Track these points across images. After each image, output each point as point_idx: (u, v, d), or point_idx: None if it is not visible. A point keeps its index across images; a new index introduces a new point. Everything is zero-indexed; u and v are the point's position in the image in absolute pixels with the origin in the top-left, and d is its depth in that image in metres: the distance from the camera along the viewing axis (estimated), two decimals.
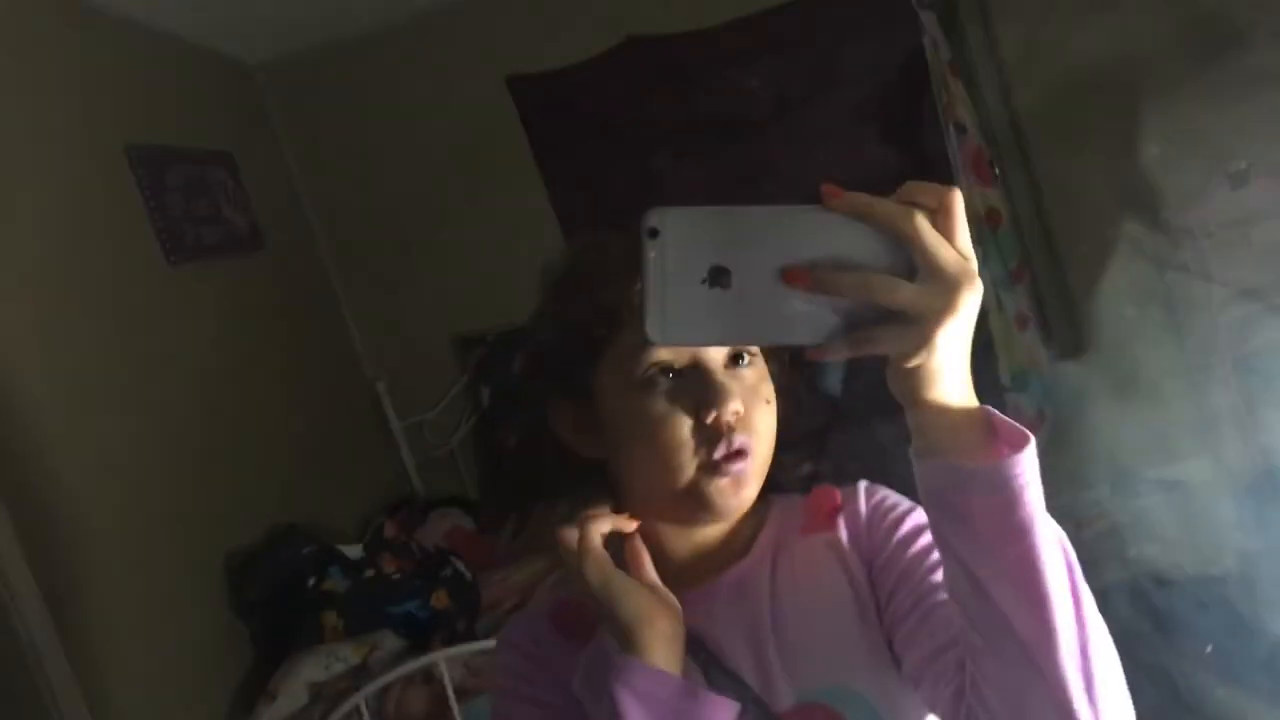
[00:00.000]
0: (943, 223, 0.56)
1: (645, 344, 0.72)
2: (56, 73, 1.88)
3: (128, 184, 1.99)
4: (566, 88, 2.65)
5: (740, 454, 0.75)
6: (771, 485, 0.80)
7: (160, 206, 2.05)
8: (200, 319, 2.12)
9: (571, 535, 0.76)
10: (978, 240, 2.63)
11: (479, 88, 2.65)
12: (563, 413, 0.82)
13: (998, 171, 2.56)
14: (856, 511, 0.82)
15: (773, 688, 0.76)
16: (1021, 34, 2.48)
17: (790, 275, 0.56)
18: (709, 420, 0.73)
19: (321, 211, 2.79)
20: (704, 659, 0.77)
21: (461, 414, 2.76)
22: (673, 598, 0.75)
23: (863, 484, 0.85)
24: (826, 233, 0.57)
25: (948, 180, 2.30)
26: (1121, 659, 0.63)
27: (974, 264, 0.56)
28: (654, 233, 0.57)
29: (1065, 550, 0.62)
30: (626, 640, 0.72)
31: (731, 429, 0.74)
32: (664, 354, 0.75)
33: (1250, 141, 2.17)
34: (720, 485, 0.75)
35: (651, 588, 0.76)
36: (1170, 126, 2.21)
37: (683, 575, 0.80)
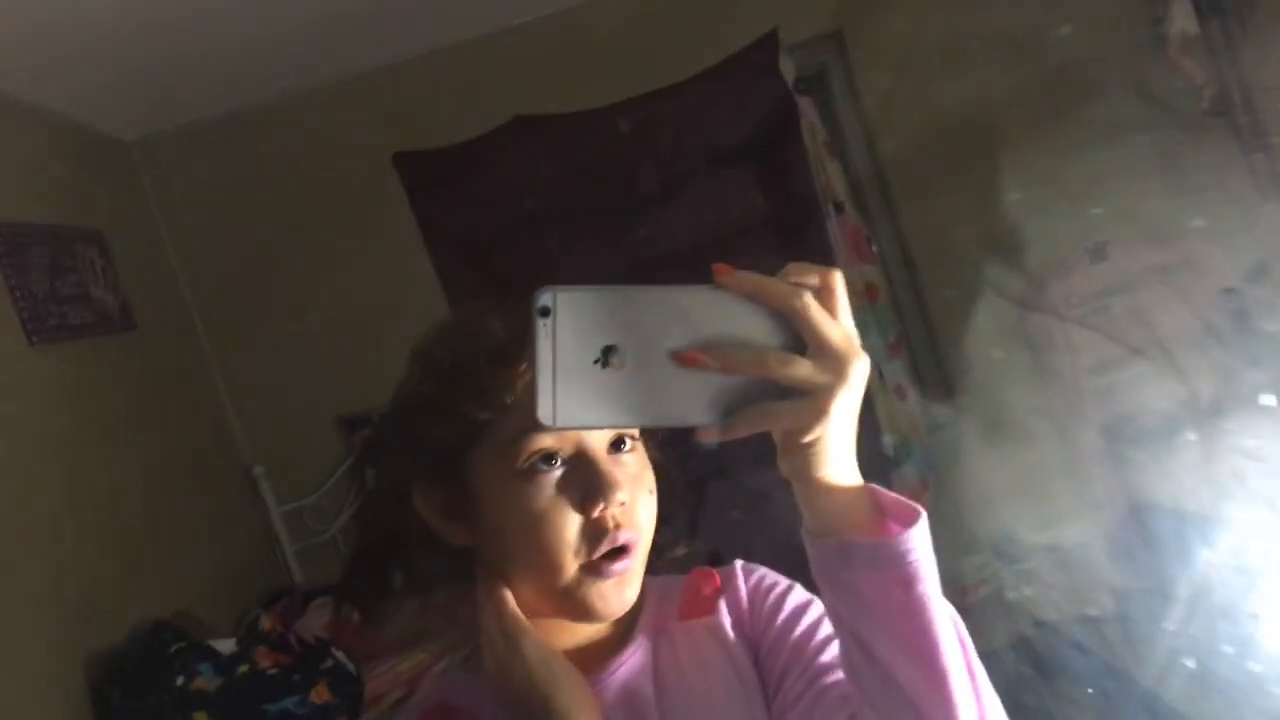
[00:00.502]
0: (826, 301, 0.57)
1: (527, 432, 0.71)
2: None
3: None
4: (453, 165, 2.65)
5: (624, 551, 0.73)
6: (645, 568, 0.77)
7: (22, 285, 1.95)
8: (64, 401, 2.01)
9: (496, 614, 0.72)
10: (859, 315, 2.71)
11: (361, 164, 2.62)
12: (431, 498, 0.77)
13: (875, 248, 2.66)
14: (737, 593, 0.81)
15: None
16: (883, 100, 2.58)
17: (684, 356, 0.56)
18: (594, 514, 0.71)
19: (197, 290, 2.69)
20: None
21: (345, 498, 2.68)
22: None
23: (739, 563, 0.83)
24: (717, 312, 0.57)
25: (829, 258, 2.37)
26: (1007, 707, 0.64)
27: (858, 339, 0.58)
28: (545, 311, 0.56)
29: (958, 626, 0.63)
30: None
31: (617, 524, 0.72)
32: (547, 441, 0.72)
33: (1103, 190, 2.26)
34: (603, 589, 0.73)
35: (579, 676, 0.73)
36: (1028, 176, 2.31)
37: None
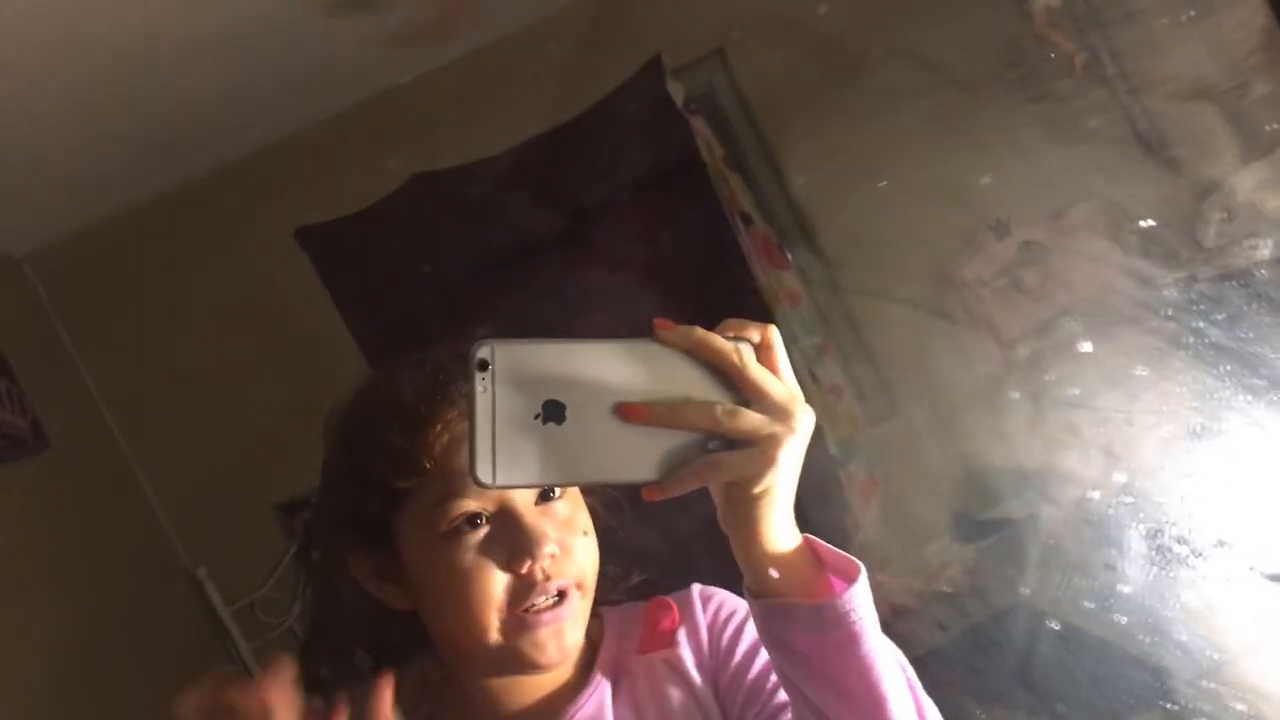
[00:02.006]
0: (765, 356, 0.59)
1: (448, 498, 0.70)
2: None
3: None
4: (357, 233, 2.62)
5: (560, 599, 0.72)
6: (600, 599, 0.78)
7: None
8: None
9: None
10: (781, 320, 2.73)
11: (266, 243, 2.57)
12: (364, 564, 0.77)
13: (789, 256, 2.69)
14: (695, 624, 0.80)
15: None
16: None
17: (628, 410, 0.56)
18: (522, 571, 0.71)
19: (113, 398, 2.61)
20: None
21: (295, 586, 2.60)
22: None
23: (696, 589, 0.83)
24: (659, 366, 0.57)
25: (743, 270, 2.37)
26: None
27: (800, 392, 0.59)
28: (483, 365, 0.55)
29: (905, 671, 0.64)
30: None
31: (547, 576, 0.71)
32: (470, 504, 0.71)
33: (891, 161, 2.22)
34: (538, 639, 0.71)
35: None
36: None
37: None
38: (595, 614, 0.79)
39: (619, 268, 2.49)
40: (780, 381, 0.58)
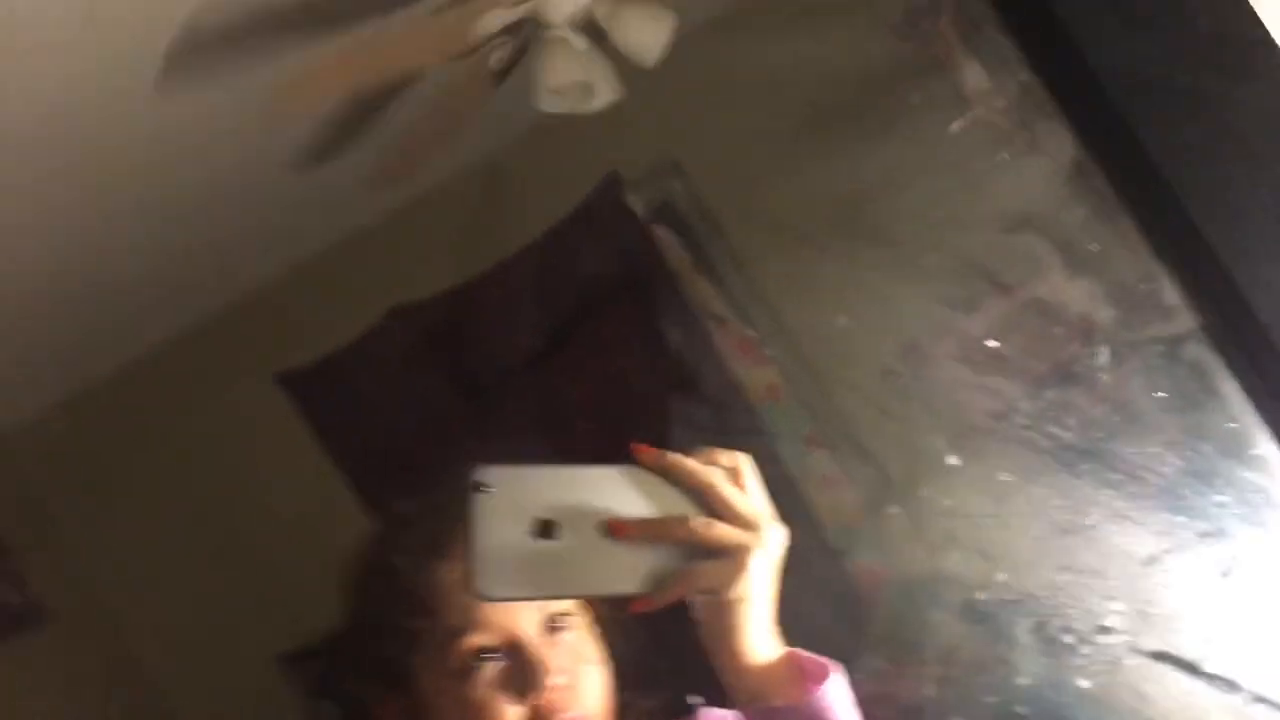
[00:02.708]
0: (735, 480, 0.65)
1: (459, 633, 0.74)
2: None
3: None
4: (338, 372, 2.65)
5: None
6: None
7: None
8: None
9: None
10: (766, 414, 2.73)
11: (248, 392, 2.60)
12: (389, 713, 0.79)
13: (767, 351, 2.72)
14: None
15: None
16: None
17: (614, 527, 0.62)
18: (535, 702, 0.73)
19: (107, 568, 2.60)
20: None
21: None
22: None
23: (701, 714, 0.84)
24: (640, 487, 0.64)
25: (720, 371, 2.38)
26: None
27: (770, 511, 0.66)
28: (481, 488, 0.61)
29: None
30: None
31: (558, 708, 0.73)
32: (479, 638, 0.74)
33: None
34: None
35: None
36: None
37: None
38: None
39: (599, 380, 2.52)
40: (749, 500, 0.64)
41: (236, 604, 2.54)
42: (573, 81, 1.52)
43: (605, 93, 1.63)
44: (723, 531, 0.63)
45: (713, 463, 0.65)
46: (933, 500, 2.01)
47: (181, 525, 2.58)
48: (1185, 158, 0.50)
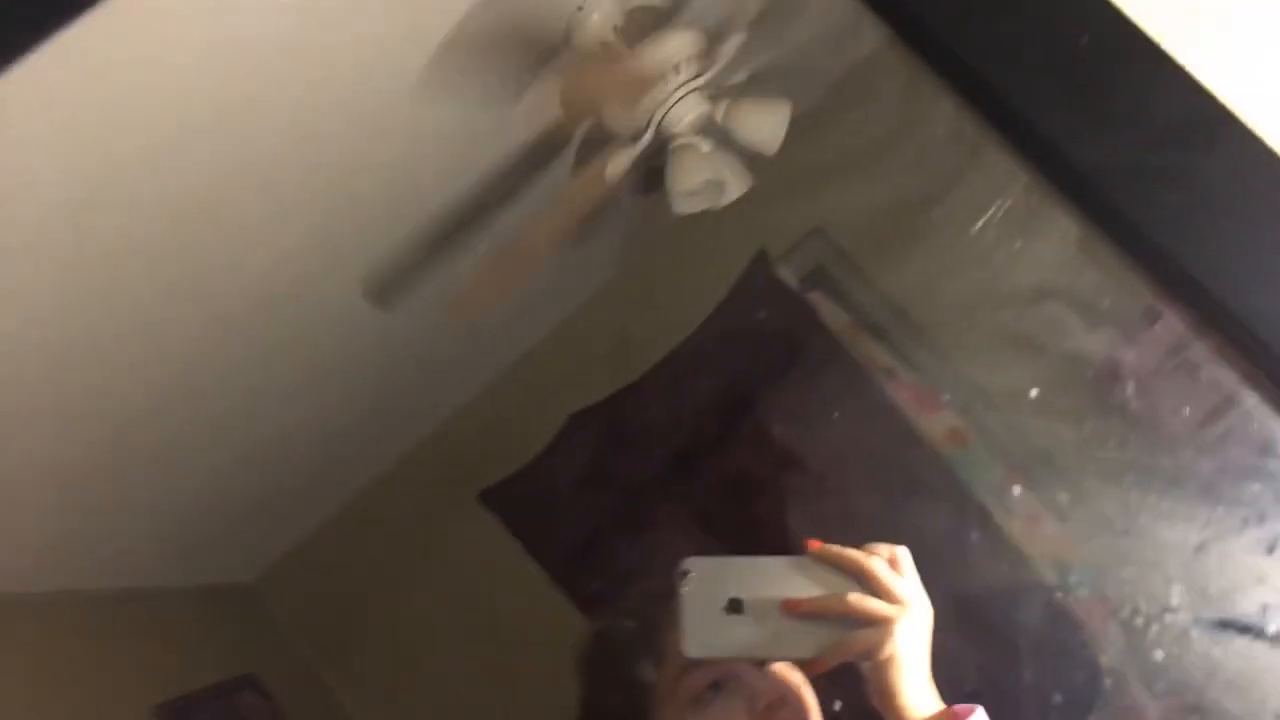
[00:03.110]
0: (894, 567, 0.80)
1: (689, 669, 0.87)
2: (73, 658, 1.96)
3: None
4: (534, 481, 2.79)
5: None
6: None
7: None
8: None
9: None
10: (955, 459, 2.68)
11: (460, 515, 2.77)
12: None
13: (945, 397, 2.69)
14: None
15: None
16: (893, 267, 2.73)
17: (790, 605, 0.78)
18: (761, 712, 0.86)
19: (358, 695, 2.79)
20: None
21: None
22: None
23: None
24: (812, 574, 0.79)
25: (898, 423, 2.38)
26: None
27: (921, 594, 0.80)
28: (686, 574, 0.79)
29: None
30: None
31: (785, 712, 0.86)
32: (706, 672, 0.87)
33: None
34: None
35: None
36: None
37: None
38: None
39: (780, 453, 2.56)
40: (903, 581, 0.79)
41: (475, 709, 2.67)
42: (704, 181, 1.61)
43: (736, 185, 1.72)
44: (873, 605, 0.76)
45: (873, 553, 0.79)
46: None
47: (418, 644, 2.75)
48: (1170, 220, 0.61)
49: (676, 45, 1.50)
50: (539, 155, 1.69)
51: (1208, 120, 0.59)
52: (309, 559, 2.81)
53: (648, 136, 1.55)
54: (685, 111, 1.59)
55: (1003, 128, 0.59)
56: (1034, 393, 2.31)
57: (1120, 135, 0.58)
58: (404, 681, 2.75)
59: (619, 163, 1.51)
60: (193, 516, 2.19)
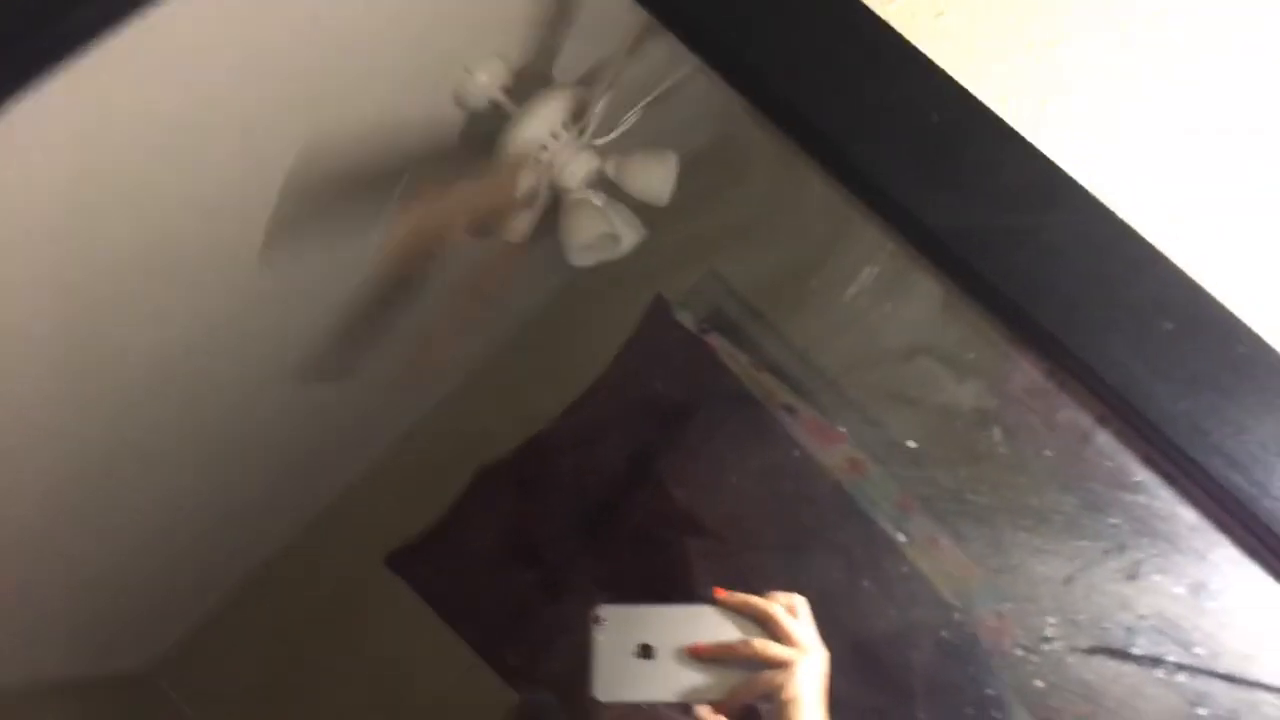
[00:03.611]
0: (792, 614, 0.87)
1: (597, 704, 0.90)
2: None
3: None
4: (441, 541, 2.75)
5: None
6: None
7: None
8: None
9: None
10: (856, 489, 2.76)
11: (363, 583, 2.71)
12: None
13: (842, 429, 2.76)
14: None
15: None
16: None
17: (697, 650, 0.84)
18: None
19: None
20: None
21: None
22: None
23: None
24: (719, 620, 0.86)
25: (800, 456, 2.46)
26: None
27: (817, 639, 0.87)
28: (598, 620, 0.84)
29: None
30: None
31: None
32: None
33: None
34: None
35: None
36: None
37: None
38: None
39: (690, 498, 2.58)
40: (799, 626, 0.86)
41: None
42: (599, 234, 1.64)
43: (630, 236, 1.75)
44: (775, 649, 0.84)
45: (774, 599, 0.87)
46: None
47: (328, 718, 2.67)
48: (1019, 276, 0.67)
49: (541, 121, 1.53)
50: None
51: (1048, 184, 0.65)
52: (208, 642, 2.71)
53: (543, 196, 1.57)
54: (578, 168, 1.62)
55: (866, 198, 0.64)
56: (911, 444, 2.43)
57: (971, 201, 0.64)
58: None
59: (520, 226, 1.53)
60: (82, 607, 2.10)
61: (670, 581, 2.41)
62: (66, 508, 1.70)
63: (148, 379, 1.52)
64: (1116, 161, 0.64)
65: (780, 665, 0.84)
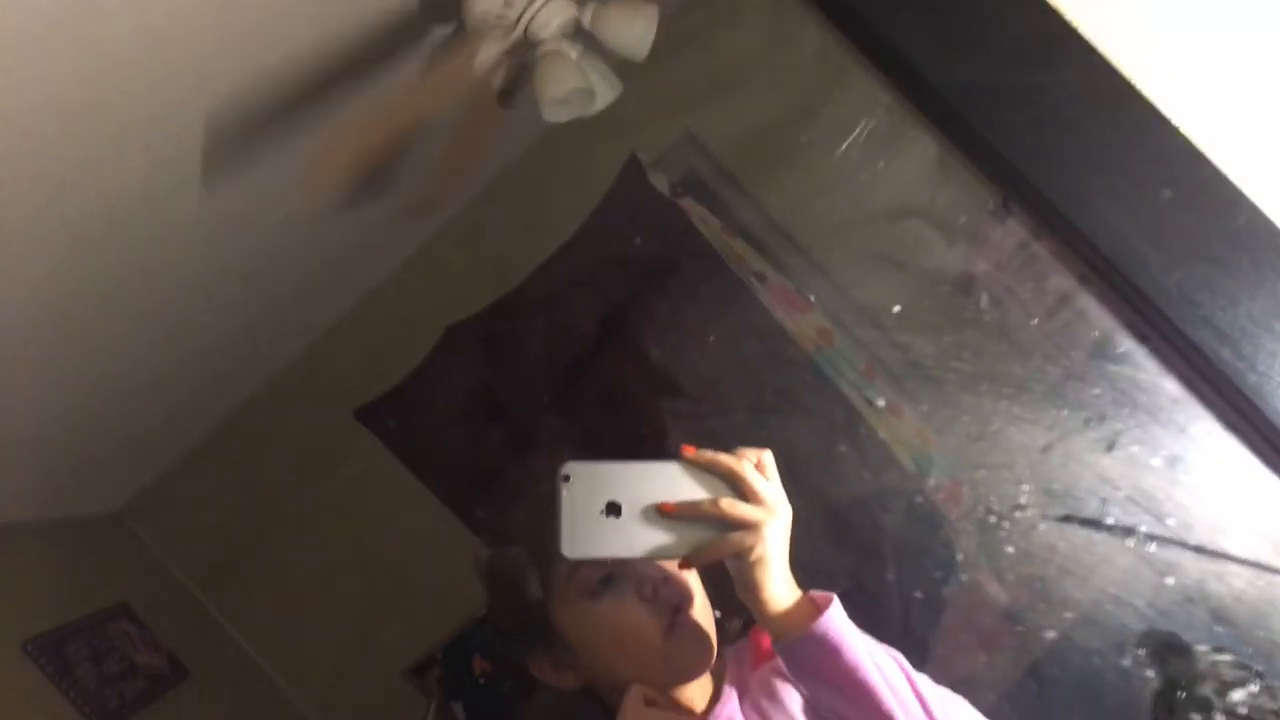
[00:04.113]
0: (760, 471, 0.85)
1: (579, 567, 0.93)
2: None
3: (37, 680, 1.96)
4: (410, 397, 2.76)
5: (684, 608, 0.94)
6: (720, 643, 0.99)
7: (73, 684, 2.02)
8: None
9: None
10: (823, 357, 2.79)
11: (331, 432, 2.73)
12: (542, 662, 1.00)
13: (812, 298, 2.77)
14: None
15: None
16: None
17: (665, 508, 0.83)
18: (649, 597, 0.93)
19: (231, 616, 2.76)
20: None
21: None
22: None
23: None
24: (686, 477, 0.84)
25: (769, 324, 2.47)
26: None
27: (783, 497, 0.85)
28: (566, 478, 0.83)
29: (902, 665, 0.85)
30: None
31: (668, 596, 0.94)
32: (594, 570, 0.93)
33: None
34: (684, 639, 0.94)
35: None
36: None
37: None
38: (719, 655, 0.99)
39: (658, 358, 2.60)
40: (769, 484, 0.84)
41: (358, 629, 2.69)
42: (573, 89, 1.58)
43: (605, 92, 1.70)
44: (743, 510, 0.82)
45: (743, 456, 0.85)
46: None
47: (292, 564, 2.73)
48: (1019, 135, 0.65)
49: None
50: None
51: (1055, 39, 0.61)
52: (178, 486, 2.73)
53: (518, 33, 1.51)
54: (551, 16, 1.55)
55: (866, 49, 0.61)
56: (896, 309, 2.42)
57: (976, 57, 0.60)
58: (281, 598, 2.73)
59: (489, 51, 1.47)
60: (55, 448, 2.10)
61: (638, 440, 2.46)
62: (37, 355, 1.69)
63: (107, 225, 1.49)
64: (1125, 17, 0.61)
65: (748, 526, 0.82)
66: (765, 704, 0.97)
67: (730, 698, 0.98)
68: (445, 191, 1.73)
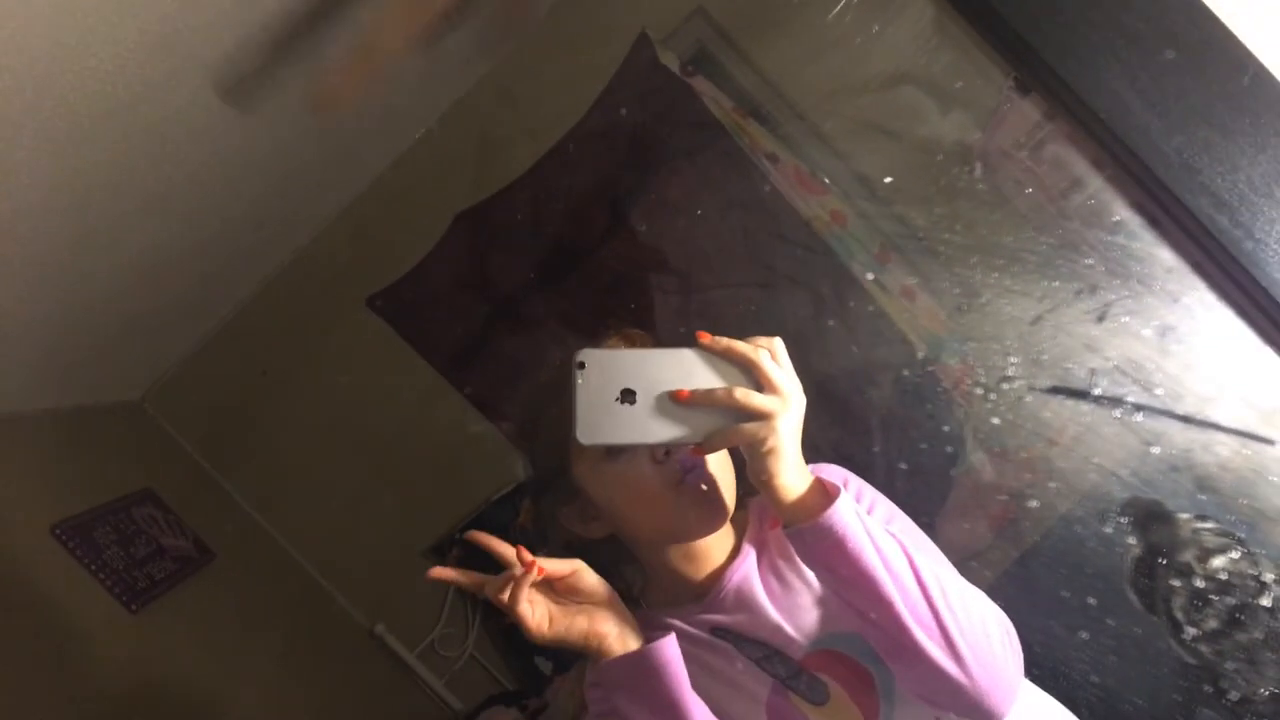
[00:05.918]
0: (775, 359, 0.84)
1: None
2: None
3: (66, 562, 2.02)
4: (420, 284, 2.76)
5: (692, 469, 0.95)
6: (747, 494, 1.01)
7: (102, 565, 2.08)
8: (175, 650, 2.13)
9: (511, 609, 0.91)
10: (836, 240, 2.76)
11: (347, 320, 2.74)
12: (570, 514, 1.02)
13: (826, 179, 2.72)
14: None
15: (789, 644, 0.96)
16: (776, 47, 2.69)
17: (679, 395, 0.83)
18: (660, 458, 0.94)
19: (253, 497, 2.82)
20: (733, 638, 0.98)
21: (466, 616, 2.78)
22: (600, 592, 0.93)
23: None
24: (700, 364, 0.84)
25: (781, 207, 2.45)
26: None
27: (798, 384, 0.85)
28: (581, 365, 0.83)
29: (905, 552, 0.86)
30: (596, 654, 0.91)
31: (680, 458, 0.94)
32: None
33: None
34: (696, 499, 0.95)
35: (582, 604, 0.92)
36: None
37: (699, 589, 1.01)
38: (741, 505, 1.02)
39: (670, 241, 2.58)
40: (784, 372, 0.84)
41: (379, 510, 2.75)
42: None
43: None
44: (758, 400, 0.82)
45: (756, 345, 0.84)
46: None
47: (313, 447, 2.78)
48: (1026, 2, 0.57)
49: None
50: None
51: None
52: (196, 373, 2.76)
53: None
54: None
55: None
56: (888, 179, 2.38)
57: None
58: (302, 482, 2.79)
59: None
60: (74, 337, 2.12)
61: (648, 326, 2.46)
62: (45, 245, 1.68)
63: (102, 111, 1.46)
64: None
65: (763, 416, 0.82)
66: (781, 564, 1.00)
67: (748, 554, 1.01)
68: (351, 87, 1.67)
